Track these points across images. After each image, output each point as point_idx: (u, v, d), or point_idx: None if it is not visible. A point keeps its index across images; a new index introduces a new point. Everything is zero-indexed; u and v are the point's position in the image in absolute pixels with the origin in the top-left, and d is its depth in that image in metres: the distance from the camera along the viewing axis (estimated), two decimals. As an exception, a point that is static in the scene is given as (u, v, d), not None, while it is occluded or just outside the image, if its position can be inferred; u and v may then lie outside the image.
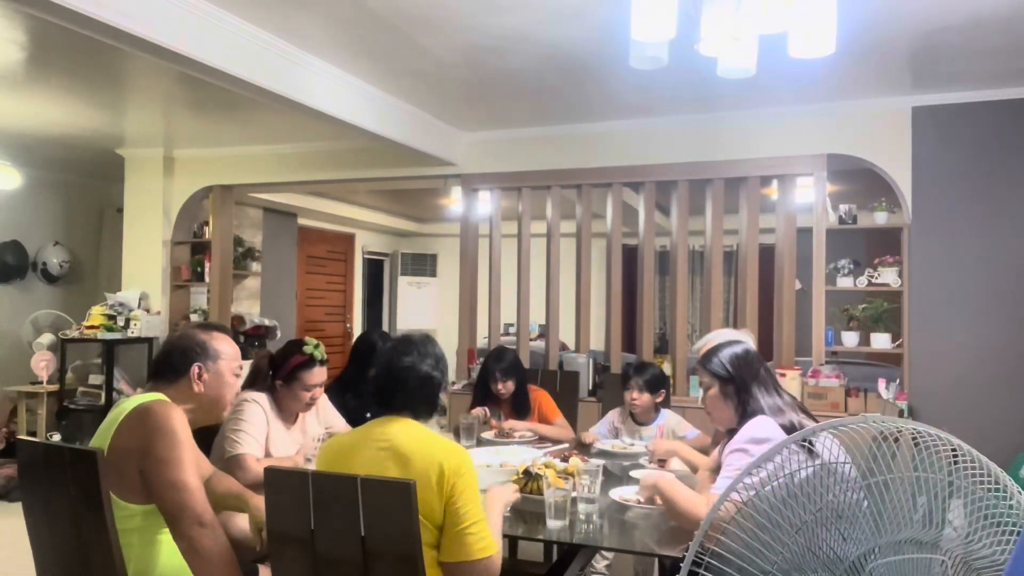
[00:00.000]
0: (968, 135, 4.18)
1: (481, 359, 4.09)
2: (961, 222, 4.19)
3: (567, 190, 5.17)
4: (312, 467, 2.16)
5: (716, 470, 2.26)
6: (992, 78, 3.93)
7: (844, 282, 4.46)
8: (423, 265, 9.93)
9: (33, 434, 5.65)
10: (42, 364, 5.72)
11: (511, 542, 3.31)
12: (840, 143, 4.43)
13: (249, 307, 6.95)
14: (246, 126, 5.13)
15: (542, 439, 3.39)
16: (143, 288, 5.83)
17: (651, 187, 4.93)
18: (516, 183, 5.21)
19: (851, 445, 1.39)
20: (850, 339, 4.45)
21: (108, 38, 2.94)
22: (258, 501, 2.03)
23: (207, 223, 6.00)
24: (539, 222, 5.20)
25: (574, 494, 2.23)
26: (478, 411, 3.54)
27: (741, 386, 2.15)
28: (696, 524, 1.99)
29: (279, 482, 1.77)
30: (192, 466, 1.87)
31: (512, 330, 5.79)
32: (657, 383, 3.37)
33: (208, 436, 2.61)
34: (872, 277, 4.41)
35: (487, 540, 1.76)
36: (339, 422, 3.05)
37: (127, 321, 5.58)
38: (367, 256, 9.68)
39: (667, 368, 4.70)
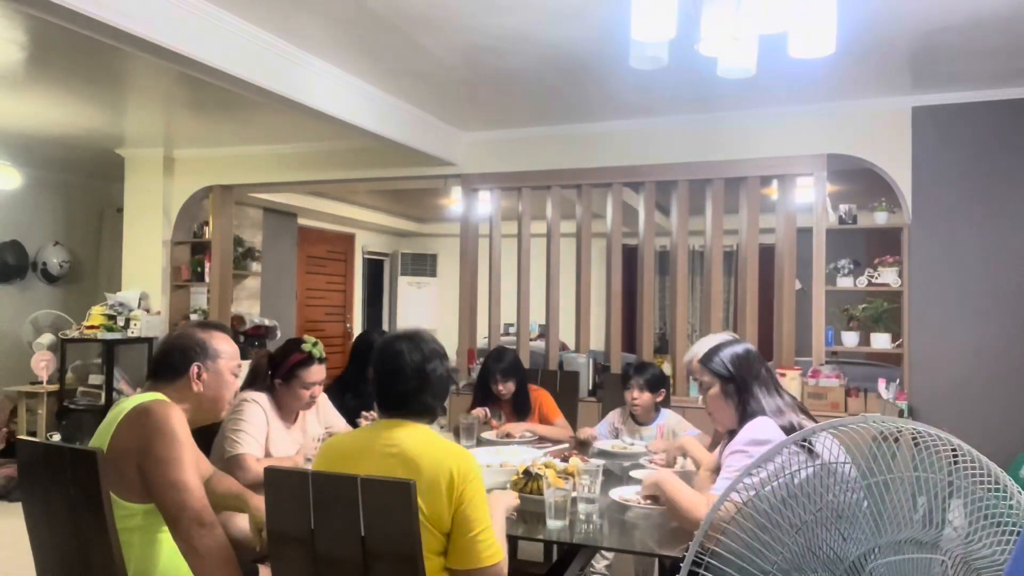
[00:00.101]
0: (968, 135, 4.18)
1: (481, 359, 4.09)
2: (961, 222, 4.19)
3: (567, 190, 5.17)
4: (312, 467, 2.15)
5: (716, 470, 2.26)
6: (992, 78, 3.93)
7: (844, 282, 4.46)
8: (423, 265, 9.93)
9: (33, 434, 5.65)
10: (42, 364, 5.72)
11: (511, 542, 3.31)
12: (840, 143, 4.43)
13: (249, 307, 6.95)
14: (246, 126, 5.13)
15: (542, 439, 3.39)
16: (143, 288, 5.83)
17: (651, 187, 4.93)
18: (516, 183, 5.21)
19: (851, 445, 1.39)
20: (850, 339, 4.45)
21: (108, 38, 2.94)
22: (258, 501, 2.02)
23: (207, 223, 6.00)
24: (539, 222, 5.20)
25: (574, 494, 2.23)
26: (478, 411, 3.54)
27: (742, 386, 2.15)
28: (696, 524, 1.99)
29: (279, 482, 1.77)
30: (191, 466, 1.87)
31: (512, 330, 5.79)
32: (657, 383, 3.37)
33: (208, 436, 2.61)
34: (872, 277, 4.41)
35: (495, 547, 1.75)
36: (339, 422, 3.05)
37: (127, 321, 5.58)
38: (367, 256, 9.68)
39: (667, 368, 4.70)
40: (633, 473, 2.72)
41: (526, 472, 2.34)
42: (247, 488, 2.17)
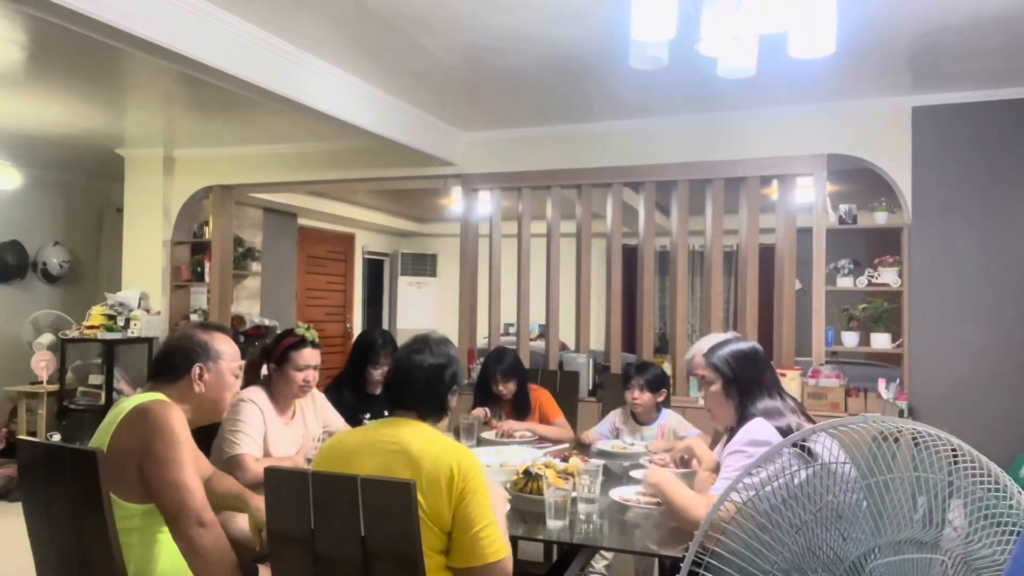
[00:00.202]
0: (968, 135, 4.18)
1: (481, 359, 4.09)
2: (961, 222, 4.19)
3: (567, 190, 5.17)
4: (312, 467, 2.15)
5: (716, 470, 2.26)
6: (992, 78, 3.93)
7: (844, 282, 4.46)
8: (423, 265, 9.93)
9: (33, 434, 5.65)
10: (42, 364, 5.72)
11: (511, 542, 3.31)
12: (840, 143, 4.43)
13: (249, 307, 6.95)
14: (246, 126, 5.13)
15: (542, 439, 3.39)
16: (143, 288, 5.83)
17: (651, 187, 4.93)
18: (516, 183, 5.21)
19: (851, 445, 1.39)
20: (850, 339, 4.45)
21: (108, 38, 2.94)
22: (258, 501, 2.03)
23: (207, 223, 6.00)
24: (539, 222, 5.20)
25: (574, 494, 2.23)
26: (479, 411, 3.54)
27: (743, 384, 2.15)
28: (693, 524, 1.99)
29: (279, 482, 1.77)
30: (191, 466, 1.87)
31: (512, 330, 5.79)
32: (658, 383, 3.37)
33: (208, 437, 2.61)
34: (872, 277, 4.41)
35: (499, 543, 1.75)
36: (338, 422, 3.05)
37: (127, 321, 5.58)
38: (367, 256, 9.68)
39: (667, 368, 4.70)
40: (633, 473, 2.72)
41: (526, 472, 2.34)
42: (247, 488, 2.17)
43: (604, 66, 3.78)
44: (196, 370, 2.04)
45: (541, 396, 3.69)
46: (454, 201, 6.19)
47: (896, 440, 1.38)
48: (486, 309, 5.31)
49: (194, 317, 5.91)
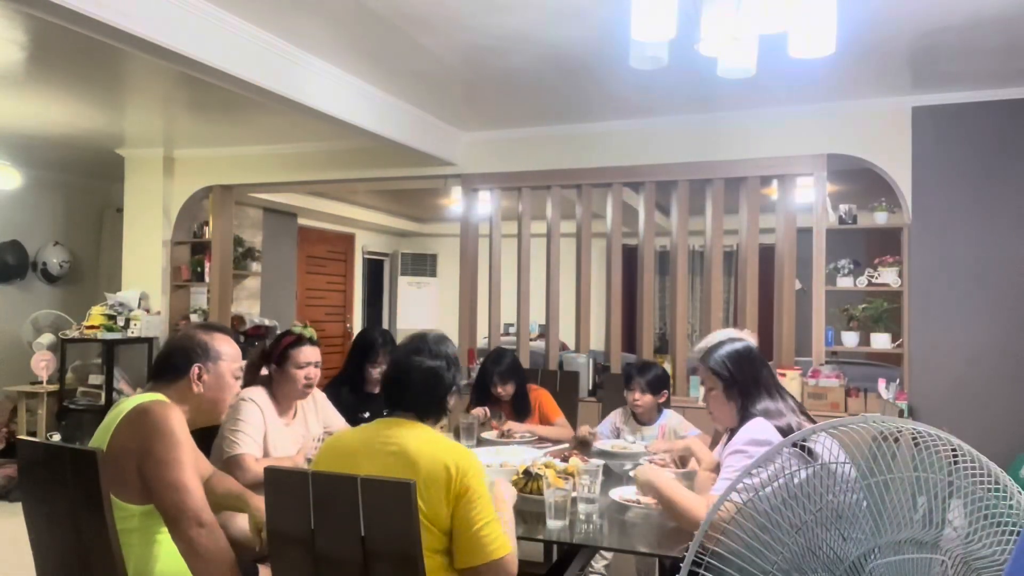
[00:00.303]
0: (968, 135, 4.18)
1: (481, 359, 4.09)
2: (961, 222, 4.19)
3: (567, 190, 5.17)
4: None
5: (715, 469, 2.26)
6: (992, 78, 3.93)
7: (844, 282, 4.46)
8: (423, 265, 9.93)
9: (33, 434, 5.64)
10: (42, 364, 5.72)
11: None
12: (840, 143, 4.43)
13: (249, 307, 6.95)
14: (246, 126, 5.13)
15: (542, 439, 3.39)
16: (143, 288, 5.83)
17: (651, 187, 4.93)
18: (516, 183, 5.21)
19: (851, 445, 1.39)
20: (850, 339, 4.45)
21: (108, 38, 2.94)
22: (258, 501, 2.02)
23: (207, 223, 6.00)
24: (539, 222, 5.20)
25: (574, 494, 2.23)
26: (478, 411, 3.54)
27: (742, 384, 2.15)
28: (690, 522, 1.99)
29: (279, 482, 1.77)
30: (191, 467, 1.87)
31: (512, 330, 5.79)
32: (660, 384, 3.37)
33: (208, 437, 2.61)
34: (872, 277, 4.41)
35: (501, 539, 1.74)
36: (339, 422, 3.05)
37: (127, 321, 5.58)
38: (367, 256, 9.69)
39: (667, 368, 4.69)
40: (633, 473, 2.72)
41: (526, 472, 2.34)
42: (247, 488, 2.17)
43: (604, 66, 3.78)
44: (195, 370, 2.04)
45: (541, 396, 3.68)
46: (454, 201, 6.19)
47: (896, 440, 1.38)
48: (486, 309, 5.31)
49: (194, 317, 5.91)
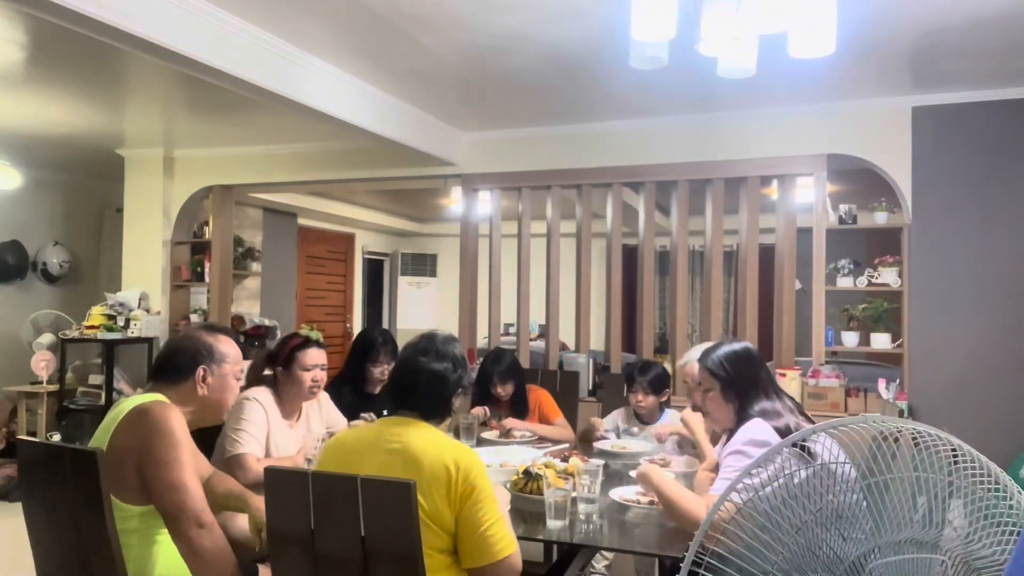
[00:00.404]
0: (968, 135, 4.18)
1: (481, 359, 4.09)
2: (961, 222, 4.19)
3: (567, 190, 5.17)
4: (313, 467, 2.15)
5: (715, 469, 2.26)
6: (992, 78, 3.93)
7: (844, 282, 4.46)
8: (423, 265, 9.93)
9: (33, 434, 5.65)
10: (42, 364, 5.72)
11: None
12: (840, 143, 4.43)
13: (249, 307, 6.95)
14: (246, 126, 5.13)
15: (542, 439, 3.39)
16: (143, 288, 5.83)
17: (651, 187, 4.93)
18: (516, 183, 5.21)
19: (851, 445, 1.39)
20: (850, 339, 4.45)
21: (108, 38, 2.94)
22: (258, 501, 2.03)
23: (207, 223, 6.00)
24: (539, 222, 5.20)
25: (574, 494, 2.23)
26: (478, 410, 3.54)
27: (740, 385, 2.15)
28: (689, 522, 1.99)
29: (279, 482, 1.77)
30: (190, 467, 1.87)
31: (512, 330, 5.79)
32: (661, 384, 3.38)
33: (209, 437, 2.61)
34: (872, 277, 4.41)
35: (507, 539, 1.75)
36: (342, 422, 3.05)
37: (127, 321, 5.58)
38: (367, 256, 9.69)
39: (667, 368, 4.69)
40: (633, 473, 2.72)
41: (526, 472, 2.34)
42: (247, 488, 2.17)
43: (604, 66, 3.78)
44: (200, 372, 2.04)
45: (541, 397, 3.68)
46: (454, 201, 6.19)
47: (896, 440, 1.38)
48: (486, 309, 5.31)
49: (194, 317, 5.91)
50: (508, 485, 2.35)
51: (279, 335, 6.45)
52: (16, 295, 6.48)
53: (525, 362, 4.98)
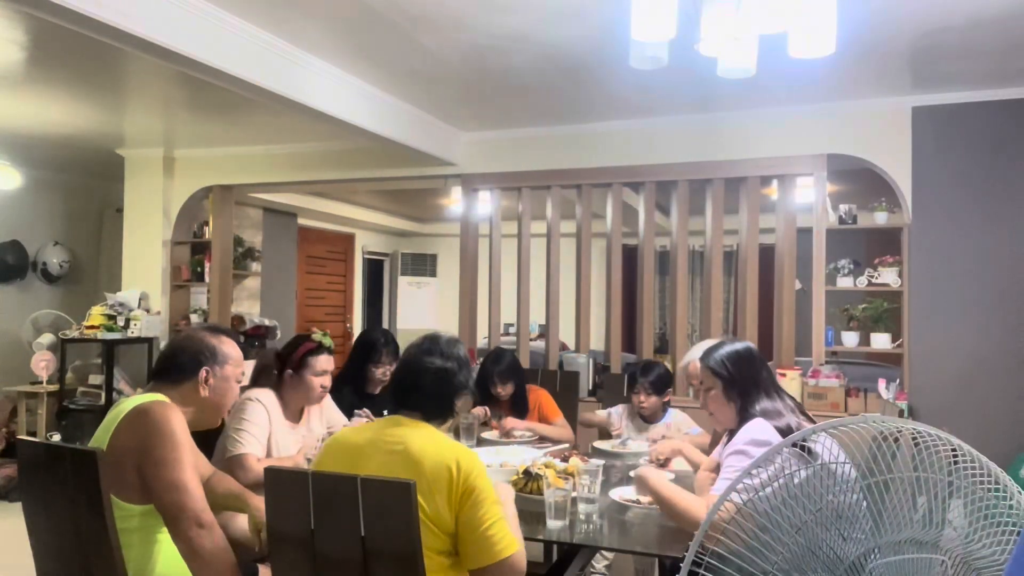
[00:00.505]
0: (968, 135, 4.18)
1: (481, 359, 4.09)
2: (961, 222, 4.19)
3: (567, 190, 5.17)
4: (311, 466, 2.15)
5: (715, 470, 2.26)
6: (992, 78, 3.93)
7: (844, 282, 4.46)
8: (423, 265, 9.93)
9: (33, 434, 5.64)
10: (42, 364, 5.72)
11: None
12: (840, 143, 4.43)
13: (249, 307, 6.95)
14: (246, 126, 5.13)
15: (542, 439, 3.39)
16: (143, 288, 5.83)
17: (651, 187, 4.93)
18: (516, 183, 5.21)
19: (851, 445, 1.39)
20: (850, 339, 4.45)
21: (108, 38, 2.94)
22: (258, 502, 2.02)
23: (207, 223, 6.00)
24: (539, 222, 5.20)
25: (574, 494, 2.23)
26: (478, 410, 3.54)
27: (741, 385, 2.15)
28: (688, 522, 1.99)
29: (279, 482, 1.77)
30: (191, 467, 1.87)
31: (512, 330, 5.79)
32: (664, 383, 3.39)
33: (211, 436, 2.61)
34: (872, 277, 4.41)
35: (509, 538, 1.73)
36: (342, 422, 3.05)
37: (127, 321, 5.58)
38: (367, 256, 9.69)
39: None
40: (633, 473, 2.72)
41: (526, 472, 2.34)
42: (248, 488, 2.17)
43: (604, 66, 3.78)
44: (203, 373, 2.04)
45: (541, 397, 3.68)
46: (454, 201, 6.18)
47: (896, 440, 1.38)
48: (486, 309, 5.31)
49: (194, 317, 5.91)
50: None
51: (279, 335, 6.46)
52: (16, 295, 6.48)
53: (525, 362, 4.98)
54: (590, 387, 4.97)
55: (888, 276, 4.37)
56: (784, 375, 4.30)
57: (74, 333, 5.64)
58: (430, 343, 1.94)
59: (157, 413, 1.88)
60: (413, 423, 1.85)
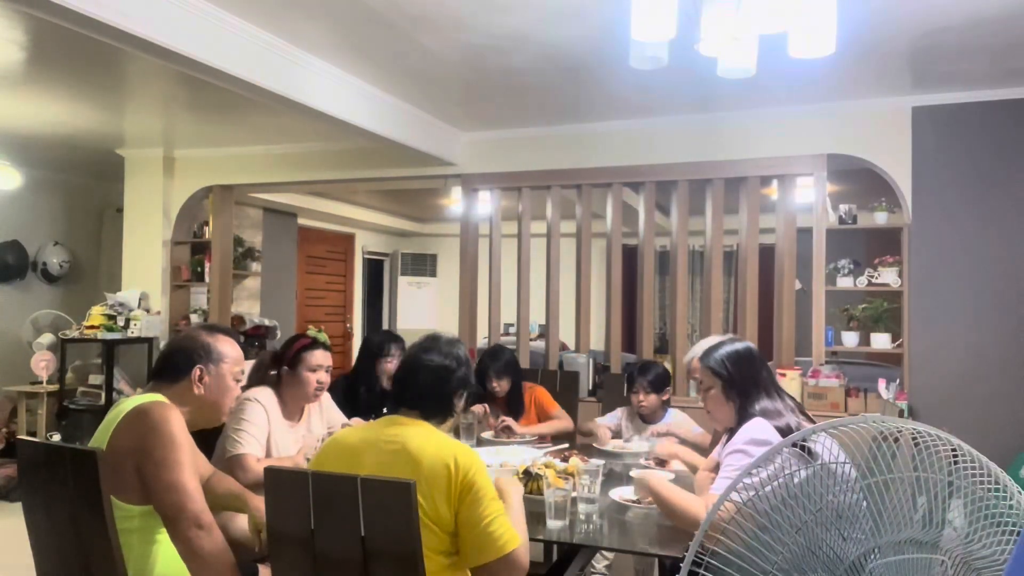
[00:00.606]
0: (968, 135, 4.18)
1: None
2: (961, 222, 4.19)
3: (567, 190, 5.17)
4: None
5: (715, 469, 2.25)
6: (992, 78, 3.93)
7: (844, 282, 4.46)
8: (423, 265, 9.93)
9: (33, 434, 5.65)
10: (42, 364, 5.72)
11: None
12: (840, 143, 4.43)
13: (249, 307, 6.95)
14: (246, 126, 5.13)
15: (542, 439, 3.39)
16: (143, 288, 5.83)
17: (651, 187, 4.93)
18: (516, 183, 5.21)
19: (851, 445, 1.39)
20: (850, 339, 4.45)
21: (108, 38, 2.94)
22: (258, 502, 2.02)
23: (207, 223, 6.00)
24: (539, 222, 5.20)
25: (574, 494, 2.23)
26: (477, 408, 3.55)
27: (740, 384, 2.15)
28: (687, 522, 1.99)
29: (279, 482, 1.77)
30: (190, 468, 1.87)
31: (512, 330, 5.79)
32: (662, 382, 3.39)
33: (211, 436, 2.61)
34: (872, 277, 4.41)
35: (509, 533, 1.72)
36: (342, 422, 3.05)
37: (127, 321, 5.58)
38: (367, 256, 9.68)
39: (667, 367, 4.69)
40: (633, 473, 2.72)
41: (526, 472, 2.34)
42: (247, 488, 2.17)
43: (604, 66, 3.78)
44: (196, 372, 2.04)
45: (536, 393, 3.69)
46: (454, 201, 6.19)
47: (896, 440, 1.38)
48: (486, 309, 5.31)
49: (194, 317, 5.91)
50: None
51: (279, 335, 6.46)
52: (16, 295, 6.48)
53: (525, 362, 4.99)
54: (590, 387, 4.97)
55: (888, 276, 4.37)
56: (784, 375, 4.30)
57: (74, 333, 5.64)
58: (430, 342, 1.95)
59: (156, 414, 1.88)
60: (411, 422, 1.85)
